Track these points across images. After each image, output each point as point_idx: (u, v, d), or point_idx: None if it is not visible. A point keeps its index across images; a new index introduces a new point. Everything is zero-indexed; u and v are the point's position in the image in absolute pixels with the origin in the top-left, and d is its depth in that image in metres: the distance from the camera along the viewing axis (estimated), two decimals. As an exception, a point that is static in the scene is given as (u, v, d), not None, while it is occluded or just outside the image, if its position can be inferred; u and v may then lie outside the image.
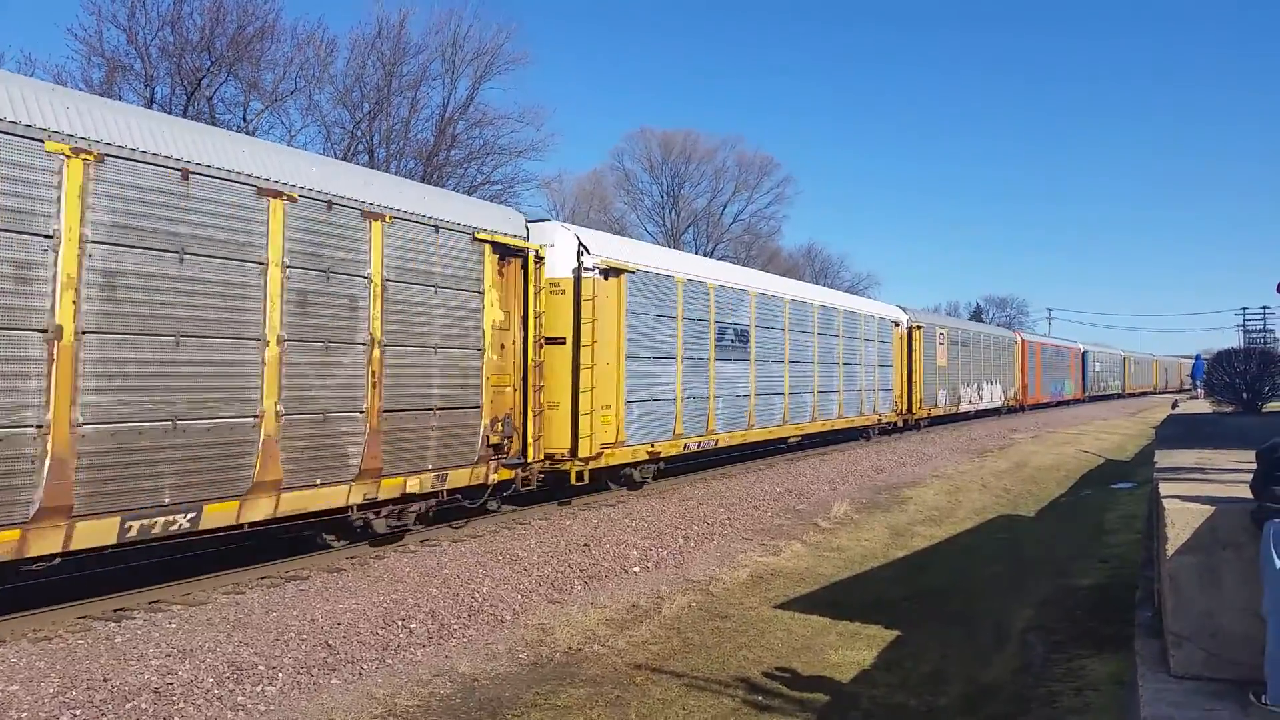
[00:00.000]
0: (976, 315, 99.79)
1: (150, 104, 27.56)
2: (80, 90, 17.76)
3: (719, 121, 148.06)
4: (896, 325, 28.93)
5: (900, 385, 28.89)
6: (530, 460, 12.86)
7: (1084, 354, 59.75)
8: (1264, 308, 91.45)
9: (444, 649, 8.09)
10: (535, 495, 14.34)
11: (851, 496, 16.84)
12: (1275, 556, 4.65)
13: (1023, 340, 45.52)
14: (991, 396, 39.06)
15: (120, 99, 26.38)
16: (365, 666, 7.52)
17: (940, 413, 32.78)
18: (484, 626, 8.73)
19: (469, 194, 30.69)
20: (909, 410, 29.37)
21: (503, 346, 12.40)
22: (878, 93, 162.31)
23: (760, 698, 7.28)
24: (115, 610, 8.44)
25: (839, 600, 10.32)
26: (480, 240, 11.93)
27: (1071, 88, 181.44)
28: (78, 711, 6.16)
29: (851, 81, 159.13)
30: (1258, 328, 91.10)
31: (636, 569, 11.18)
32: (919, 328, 30.21)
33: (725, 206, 66.15)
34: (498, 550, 11.13)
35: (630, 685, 7.49)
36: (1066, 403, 54.59)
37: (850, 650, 8.56)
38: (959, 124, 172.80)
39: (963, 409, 35.32)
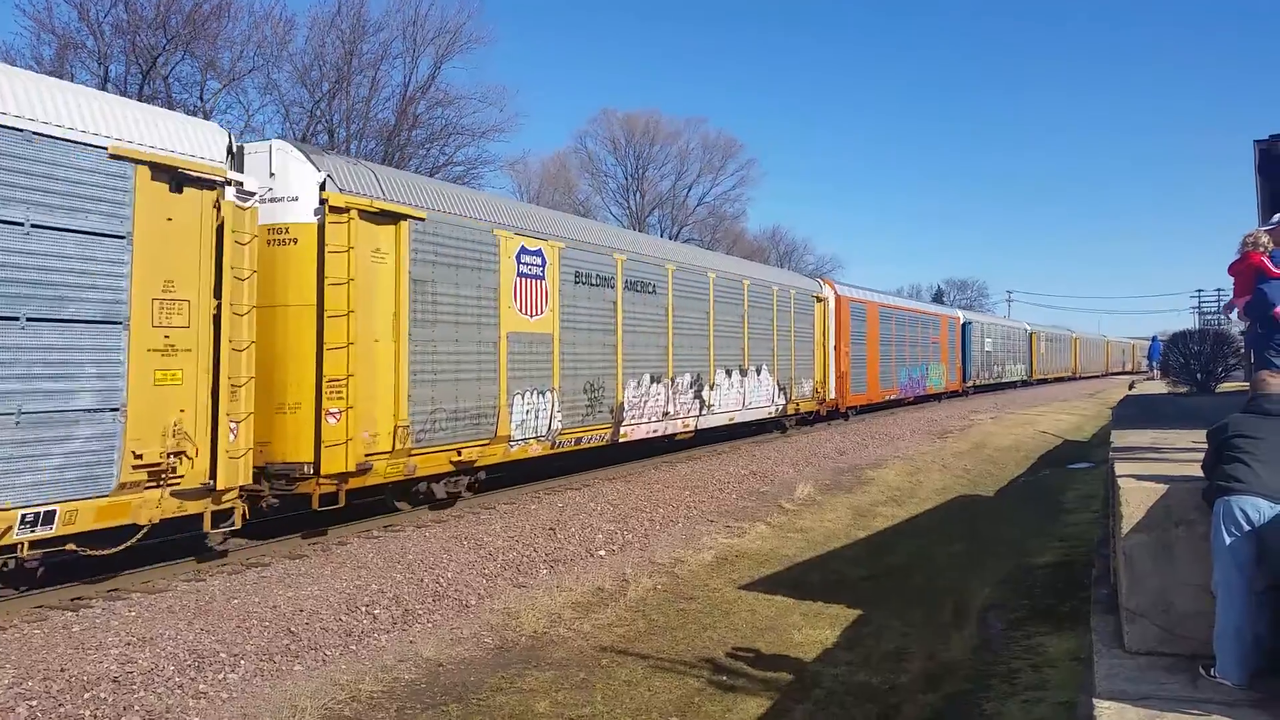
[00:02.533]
0: (938, 298, 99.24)
1: (104, 83, 26.99)
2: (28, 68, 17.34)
3: (682, 103, 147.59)
4: (231, 198, 9.25)
5: (232, 398, 9.21)
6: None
7: (965, 326, 41.65)
8: (1218, 290, 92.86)
9: (408, 634, 8.07)
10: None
11: (815, 478, 16.98)
12: (1224, 534, 4.75)
13: (839, 296, 27.22)
14: (751, 396, 21.14)
15: (72, 78, 25.82)
16: (329, 653, 7.48)
17: (535, 450, 13.68)
18: (449, 611, 8.71)
19: (431, 175, 30.47)
20: (347, 465, 10.28)
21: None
22: (842, 75, 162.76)
23: (725, 678, 7.34)
24: (73, 599, 8.31)
25: (802, 580, 10.42)
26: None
27: (1032, 69, 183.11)
28: (34, 702, 6.07)
29: (814, 63, 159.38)
30: (1212, 309, 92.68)
31: (602, 552, 11.20)
32: (417, 241, 11.49)
33: (690, 189, 66.04)
34: (462, 535, 11.10)
35: (596, 667, 7.52)
36: (935, 397, 37.62)
37: (813, 630, 8.65)
38: (923, 106, 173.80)
39: (643, 431, 16.72)
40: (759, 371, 21.78)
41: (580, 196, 60.98)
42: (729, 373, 20.22)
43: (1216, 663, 4.72)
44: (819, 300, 26.08)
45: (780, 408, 23.07)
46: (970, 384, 41.82)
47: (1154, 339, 40.74)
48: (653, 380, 17.00)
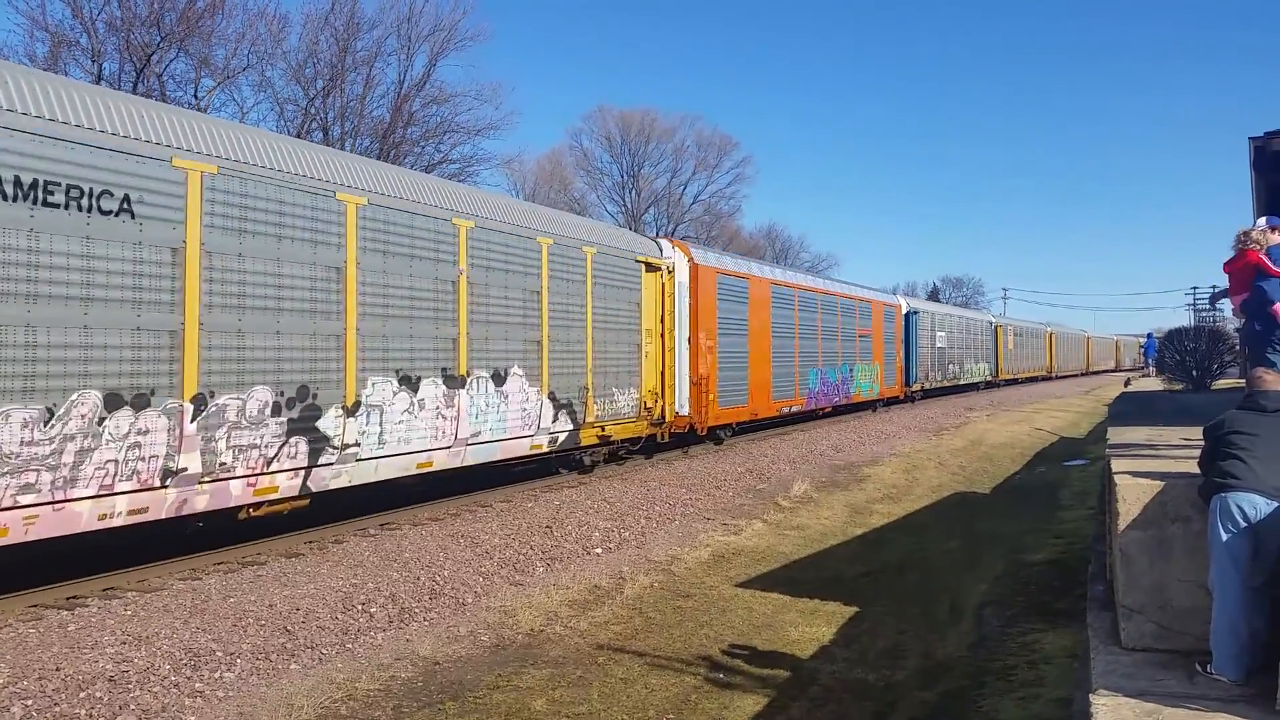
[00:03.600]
0: (933, 296, 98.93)
1: (98, 80, 26.91)
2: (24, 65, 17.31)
3: (677, 99, 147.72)
4: None
5: None
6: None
7: (909, 316, 34.35)
8: (1213, 287, 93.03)
9: (405, 632, 8.06)
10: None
11: (812, 476, 16.99)
12: (1221, 530, 4.76)
13: (696, 266, 18.73)
14: (481, 420, 12.64)
15: (66, 74, 25.74)
16: (325, 651, 7.47)
17: None
18: (445, 609, 8.71)
19: (427, 172, 30.39)
20: None
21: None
22: (838, 72, 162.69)
23: (721, 675, 7.34)
24: (68, 598, 8.29)
25: (799, 578, 10.42)
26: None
27: (1028, 66, 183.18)
28: (29, 702, 6.05)
29: (810, 60, 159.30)
30: (1207, 306, 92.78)
31: (599, 550, 11.20)
32: None
33: (685, 186, 66.12)
34: (459, 533, 11.09)
35: (592, 665, 7.52)
36: (867, 406, 30.51)
37: (810, 627, 8.65)
38: (920, 103, 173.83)
39: (82, 516, 7.89)
40: (501, 379, 13.04)
41: (576, 194, 61.05)
42: (412, 382, 11.40)
43: (1213, 659, 4.73)
44: (652, 268, 17.23)
45: (560, 438, 14.44)
46: (916, 387, 34.75)
47: (1149, 336, 40.81)
48: (120, 405, 8.30)
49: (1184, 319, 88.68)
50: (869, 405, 30.68)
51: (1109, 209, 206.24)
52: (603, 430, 15.65)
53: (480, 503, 13.11)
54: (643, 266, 17.09)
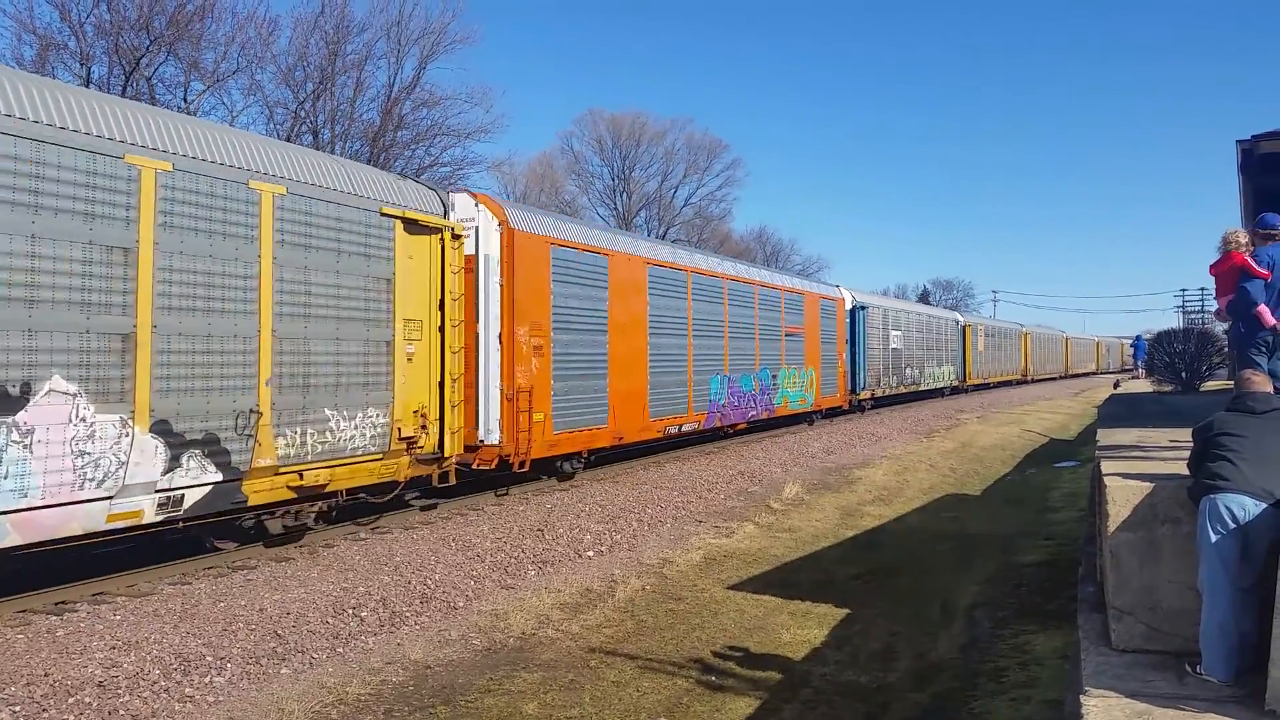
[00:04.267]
0: (924, 298, 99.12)
1: (87, 84, 26.81)
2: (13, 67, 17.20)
3: (668, 103, 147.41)
4: None
5: None
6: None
7: (854, 311, 29.64)
8: (1202, 289, 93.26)
9: (396, 637, 8.04)
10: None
11: (803, 478, 17.01)
12: (1210, 531, 4.78)
13: (513, 231, 13.42)
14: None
15: (54, 77, 25.63)
16: (316, 655, 7.44)
17: None
18: (436, 613, 8.69)
19: (418, 175, 30.35)
20: None
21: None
22: (828, 76, 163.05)
23: (713, 678, 7.34)
24: (57, 603, 8.25)
25: (791, 580, 10.43)
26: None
27: (1018, 69, 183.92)
28: (17, 708, 6.02)
29: (801, 63, 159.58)
30: (1196, 308, 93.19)
31: (590, 553, 11.19)
32: None
33: (676, 189, 66.12)
34: (450, 537, 11.07)
35: (584, 669, 7.51)
36: (802, 418, 25.73)
37: (802, 629, 8.66)
38: (911, 106, 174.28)
39: None
40: (16, 401, 7.39)
41: (567, 196, 61.04)
42: None
43: (1203, 660, 4.75)
44: (420, 229, 11.77)
45: (189, 497, 8.83)
46: (865, 395, 30.14)
47: (1138, 338, 41.03)
48: None
49: (1173, 320, 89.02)
50: (802, 418, 25.76)
51: (1101, 211, 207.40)
52: (300, 478, 9.93)
53: (471, 506, 13.09)
54: (399, 224, 11.39)
